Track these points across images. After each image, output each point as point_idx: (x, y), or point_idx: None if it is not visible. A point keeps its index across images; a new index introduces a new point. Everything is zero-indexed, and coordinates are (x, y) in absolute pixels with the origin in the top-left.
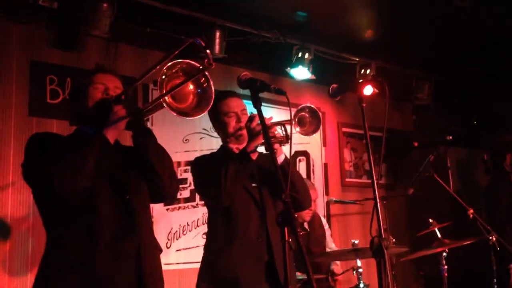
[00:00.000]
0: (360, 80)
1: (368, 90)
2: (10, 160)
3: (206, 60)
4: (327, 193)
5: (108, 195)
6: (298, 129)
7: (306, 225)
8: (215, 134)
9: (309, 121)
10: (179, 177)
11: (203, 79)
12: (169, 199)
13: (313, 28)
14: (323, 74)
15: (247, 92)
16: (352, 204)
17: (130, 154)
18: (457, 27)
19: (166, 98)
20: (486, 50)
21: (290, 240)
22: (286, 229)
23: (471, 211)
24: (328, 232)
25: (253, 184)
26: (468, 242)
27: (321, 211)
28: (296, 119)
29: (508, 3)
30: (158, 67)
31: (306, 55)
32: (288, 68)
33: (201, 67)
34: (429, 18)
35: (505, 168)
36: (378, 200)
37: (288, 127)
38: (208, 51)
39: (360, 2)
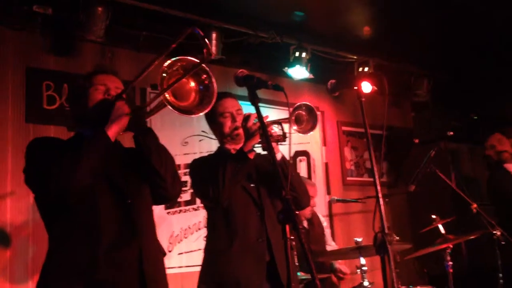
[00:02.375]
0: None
1: (367, 87)
2: (8, 167)
3: (205, 50)
4: (328, 192)
5: (110, 200)
6: (295, 127)
7: (305, 224)
8: (215, 137)
9: (306, 119)
10: None
11: (205, 75)
12: (172, 200)
13: (310, 27)
14: (321, 73)
15: (242, 93)
16: (354, 203)
17: (131, 155)
18: (454, 22)
19: (168, 96)
20: (484, 45)
21: (292, 238)
22: (287, 226)
23: (475, 205)
24: (327, 230)
25: (252, 184)
26: (473, 237)
27: (323, 211)
28: (293, 117)
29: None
30: (156, 62)
31: (304, 55)
32: (286, 68)
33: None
34: (426, 14)
35: (493, 160)
36: (380, 196)
37: (284, 125)
38: (207, 40)
39: (357, 0)
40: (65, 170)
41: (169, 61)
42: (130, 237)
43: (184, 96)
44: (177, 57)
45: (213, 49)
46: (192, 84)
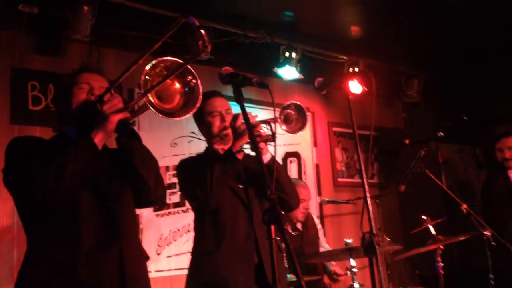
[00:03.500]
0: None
1: (357, 88)
2: None
3: (200, 42)
4: (319, 193)
5: (90, 203)
6: (284, 127)
7: (299, 226)
8: (204, 138)
9: (295, 119)
10: (167, 182)
11: (190, 76)
12: (155, 204)
13: (300, 27)
14: (311, 74)
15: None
16: (345, 204)
17: (114, 157)
18: (445, 22)
19: (151, 98)
20: (475, 45)
21: (278, 238)
22: (272, 227)
23: (465, 206)
24: (321, 232)
25: (240, 186)
26: (463, 238)
27: (314, 212)
28: (282, 117)
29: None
30: (141, 61)
31: (294, 55)
32: (276, 68)
33: (191, 55)
34: (416, 14)
35: (498, 161)
36: (368, 196)
37: (274, 125)
38: (202, 31)
39: (347, 0)
40: (51, 180)
41: (152, 62)
42: (111, 241)
43: (169, 98)
44: (161, 58)
45: None
46: (177, 85)
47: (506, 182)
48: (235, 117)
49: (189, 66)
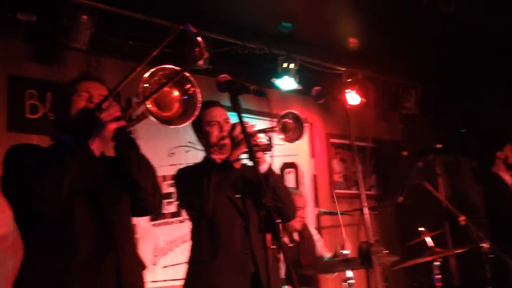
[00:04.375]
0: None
1: (355, 99)
2: None
3: (197, 49)
4: (317, 205)
5: (86, 211)
6: (282, 136)
7: (296, 236)
8: (201, 147)
9: (293, 128)
10: (164, 191)
11: (189, 84)
12: (152, 212)
13: (299, 38)
14: (310, 84)
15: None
16: (342, 216)
17: (112, 165)
18: (442, 34)
19: (150, 106)
20: (472, 56)
21: (274, 247)
22: (268, 236)
23: (463, 218)
24: (319, 243)
25: (237, 195)
26: (460, 251)
27: (311, 223)
28: (280, 126)
29: (495, 11)
30: (139, 68)
31: (292, 66)
32: (274, 78)
33: (186, 65)
34: (415, 26)
35: (494, 161)
36: (364, 205)
37: (272, 134)
38: (199, 38)
39: (345, 12)
40: (47, 188)
41: (151, 70)
42: (107, 250)
43: (167, 106)
44: (160, 66)
45: None
46: (176, 93)
47: None
48: (233, 126)
49: (187, 74)
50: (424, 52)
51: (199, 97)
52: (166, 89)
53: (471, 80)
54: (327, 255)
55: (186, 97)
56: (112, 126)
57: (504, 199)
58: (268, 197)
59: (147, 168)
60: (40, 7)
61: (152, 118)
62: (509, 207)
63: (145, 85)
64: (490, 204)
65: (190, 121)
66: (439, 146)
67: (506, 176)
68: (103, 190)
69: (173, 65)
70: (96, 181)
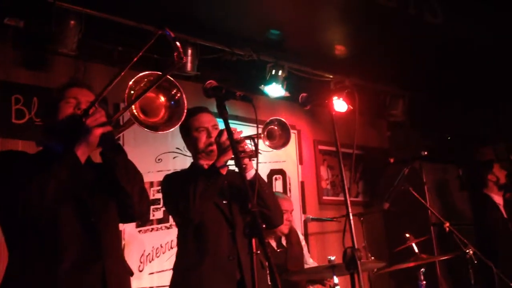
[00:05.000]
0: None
1: (342, 106)
2: None
3: (175, 54)
4: (304, 211)
5: (72, 217)
6: (267, 142)
7: (283, 242)
8: (189, 153)
9: (279, 134)
10: (151, 197)
11: (175, 90)
12: (139, 218)
13: (287, 45)
14: (298, 91)
15: None
16: (329, 222)
17: (99, 172)
18: (430, 43)
19: (135, 112)
20: (459, 65)
21: (259, 252)
22: (254, 240)
23: (447, 224)
24: (305, 248)
25: (224, 201)
26: (445, 257)
27: (299, 229)
28: (265, 132)
29: (480, 20)
30: (122, 73)
31: (280, 73)
32: (262, 85)
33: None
34: (402, 34)
35: (487, 184)
36: (350, 211)
37: (260, 141)
38: (178, 43)
39: (333, 20)
40: (33, 194)
41: (136, 77)
42: (94, 257)
43: (154, 112)
44: (145, 73)
45: (189, 65)
46: (162, 99)
47: None
48: (220, 132)
49: (173, 80)
50: (411, 60)
51: (186, 103)
52: (152, 95)
53: (458, 88)
54: (311, 261)
55: (173, 102)
56: (98, 131)
57: (496, 221)
58: (254, 202)
59: (134, 174)
60: (28, 12)
61: (138, 124)
62: (500, 229)
63: (131, 91)
64: (482, 225)
65: (176, 127)
66: (425, 153)
67: (496, 198)
68: (90, 196)
69: (158, 71)
70: (83, 187)
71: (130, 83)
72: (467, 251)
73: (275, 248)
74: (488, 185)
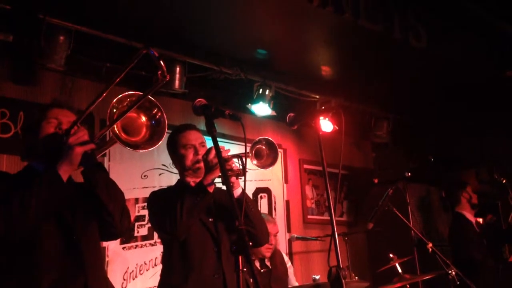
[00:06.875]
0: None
1: (328, 126)
2: None
3: (159, 72)
4: (289, 230)
5: (54, 235)
6: (255, 161)
7: (267, 262)
8: (175, 170)
9: (267, 154)
10: (136, 214)
11: (156, 109)
12: (120, 236)
13: (274, 65)
14: (284, 111)
15: None
16: (314, 241)
17: (81, 190)
18: (414, 66)
19: (117, 131)
20: (442, 88)
21: (245, 270)
22: (240, 258)
23: (430, 244)
24: (290, 270)
25: (210, 219)
26: (428, 277)
27: (283, 248)
28: (253, 152)
29: (463, 43)
30: (105, 94)
31: (267, 92)
32: (249, 104)
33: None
34: (388, 57)
35: (460, 201)
36: (335, 231)
37: (248, 160)
38: (162, 62)
39: (320, 41)
40: (14, 211)
41: (118, 97)
42: (75, 275)
43: (135, 131)
44: (128, 93)
45: (177, 83)
46: (144, 119)
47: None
48: (208, 150)
49: (154, 100)
50: (396, 83)
51: (166, 122)
52: (134, 114)
53: (441, 111)
54: (296, 284)
55: (154, 122)
56: (80, 149)
57: (468, 239)
58: (241, 220)
59: (115, 191)
60: (17, 26)
61: (120, 143)
62: (473, 247)
63: (113, 110)
64: (455, 242)
65: (157, 145)
66: (409, 174)
67: (469, 216)
68: (72, 215)
69: (146, 87)
70: (64, 205)
71: (113, 101)
72: (450, 271)
73: (259, 268)
74: (461, 202)
